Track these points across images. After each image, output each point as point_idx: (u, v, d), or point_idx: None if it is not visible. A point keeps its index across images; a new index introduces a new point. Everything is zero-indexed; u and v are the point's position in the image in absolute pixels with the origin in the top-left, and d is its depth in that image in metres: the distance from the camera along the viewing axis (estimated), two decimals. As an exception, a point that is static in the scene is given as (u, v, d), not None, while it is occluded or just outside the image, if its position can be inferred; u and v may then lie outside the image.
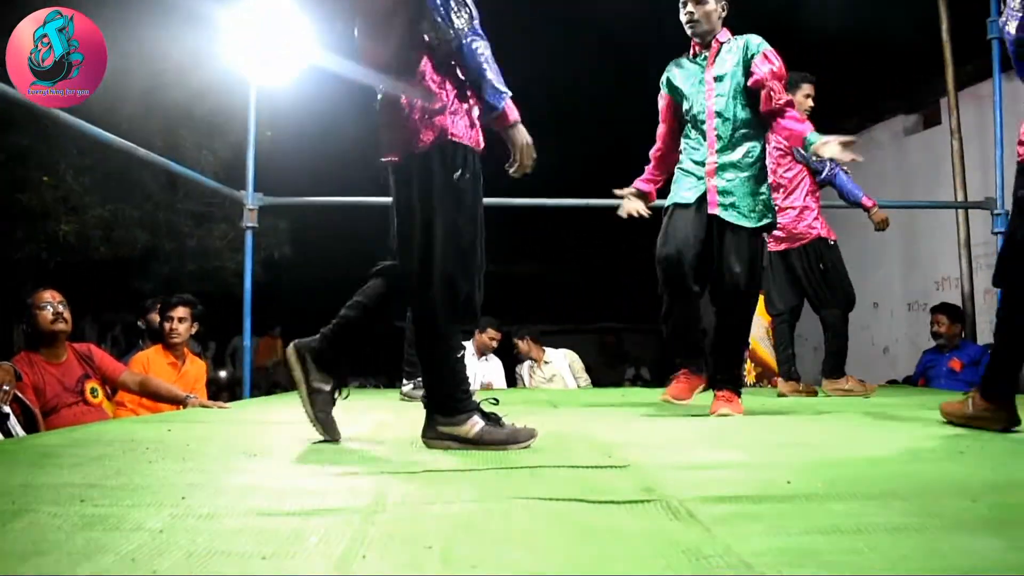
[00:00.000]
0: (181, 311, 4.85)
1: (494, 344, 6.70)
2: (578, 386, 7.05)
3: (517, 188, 5.61)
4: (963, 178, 6.66)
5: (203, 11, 7.55)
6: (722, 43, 3.64)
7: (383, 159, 2.48)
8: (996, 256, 5.49)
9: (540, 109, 5.00)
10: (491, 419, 2.40)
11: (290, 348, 2.49)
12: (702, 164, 3.56)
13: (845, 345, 4.91)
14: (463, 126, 2.38)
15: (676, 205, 3.59)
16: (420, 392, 4.44)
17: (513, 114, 2.46)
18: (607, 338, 16.87)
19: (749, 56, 3.55)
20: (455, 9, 2.30)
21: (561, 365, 7.15)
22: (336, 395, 2.51)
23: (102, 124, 8.08)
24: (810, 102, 4.98)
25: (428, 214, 2.34)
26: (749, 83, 3.53)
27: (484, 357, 6.69)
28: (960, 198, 6.58)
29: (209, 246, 9.22)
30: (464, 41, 2.31)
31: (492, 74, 2.34)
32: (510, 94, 2.39)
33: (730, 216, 3.47)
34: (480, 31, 2.35)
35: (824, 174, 5.00)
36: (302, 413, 2.48)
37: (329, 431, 2.48)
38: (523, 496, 1.57)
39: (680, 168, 3.67)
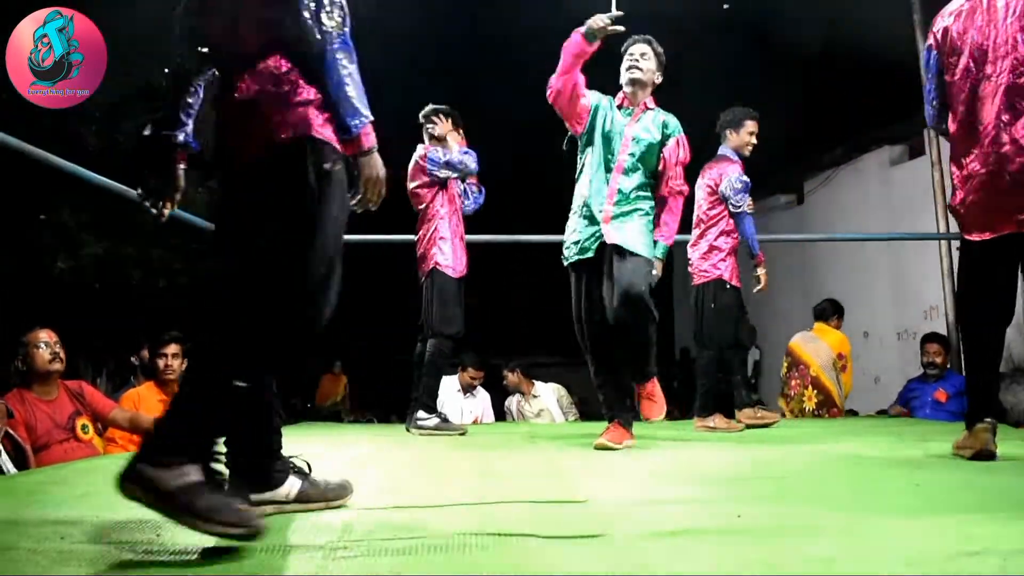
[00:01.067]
0: (173, 348, 4.91)
1: (476, 381, 6.69)
2: (566, 419, 7.08)
3: (513, 223, 5.72)
4: (945, 209, 6.75)
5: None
6: (648, 108, 3.82)
7: (224, 163, 2.05)
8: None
9: (540, 142, 5.08)
10: (306, 475, 2.11)
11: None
12: (599, 212, 3.67)
13: (714, 385, 4.93)
14: (330, 129, 1.99)
15: (579, 264, 3.73)
16: (437, 424, 4.57)
17: (369, 140, 2.02)
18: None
19: (666, 135, 3.76)
20: (327, 8, 1.96)
21: (549, 399, 7.18)
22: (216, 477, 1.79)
23: (100, 160, 8.29)
24: (754, 140, 5.03)
25: (285, 217, 1.91)
26: (659, 160, 3.75)
27: (471, 393, 6.70)
28: (942, 228, 6.67)
29: (201, 283, 9.30)
30: (329, 47, 1.94)
31: (353, 90, 1.97)
32: (371, 118, 2.02)
33: (624, 244, 3.61)
34: (350, 42, 2.00)
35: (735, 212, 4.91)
36: (291, 449, 2.21)
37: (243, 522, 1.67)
38: (484, 532, 1.62)
39: (577, 213, 3.77)
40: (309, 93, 1.98)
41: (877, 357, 10.43)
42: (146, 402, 4.74)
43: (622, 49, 3.85)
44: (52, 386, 4.15)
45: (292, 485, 2.04)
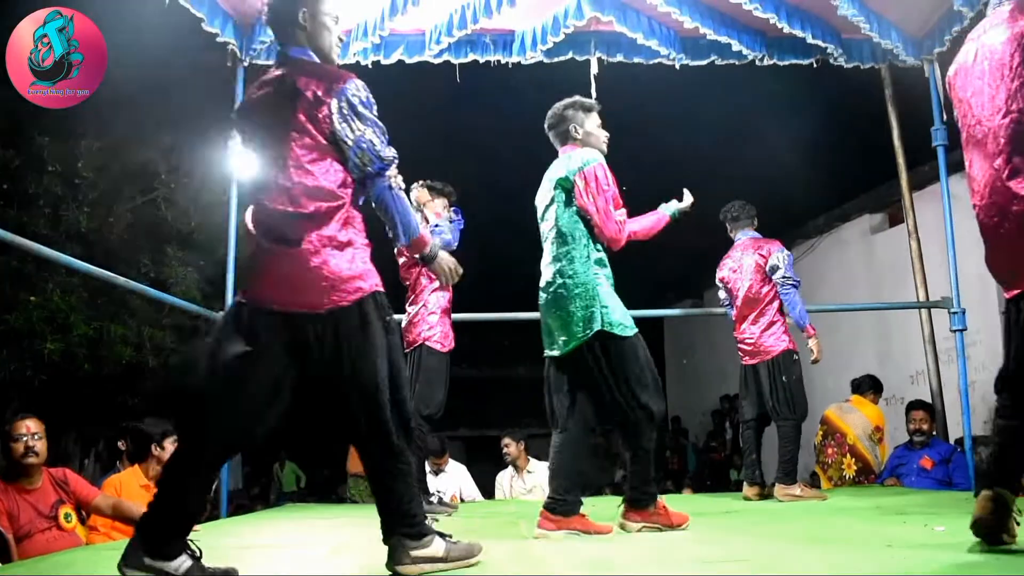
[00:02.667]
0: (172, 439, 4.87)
1: (442, 466, 6.57)
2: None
3: (516, 299, 5.79)
4: (923, 276, 6.85)
5: (188, 135, 7.91)
6: None
7: (283, 309, 2.35)
8: (959, 352, 5.71)
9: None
10: (447, 538, 2.50)
11: None
12: None
13: (796, 453, 5.10)
14: (374, 272, 2.47)
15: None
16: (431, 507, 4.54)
17: (430, 246, 2.69)
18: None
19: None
20: (382, 139, 2.47)
21: (543, 477, 7.13)
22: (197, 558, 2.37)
23: (97, 242, 8.39)
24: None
25: (373, 360, 2.35)
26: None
27: (441, 471, 6.56)
28: (921, 296, 6.75)
29: (194, 361, 9.33)
30: (389, 181, 2.49)
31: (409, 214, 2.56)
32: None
33: None
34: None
35: (791, 284, 5.15)
36: (273, 536, 2.54)
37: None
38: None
39: (609, 279, 3.52)
40: (361, 243, 2.49)
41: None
42: (128, 487, 4.73)
43: (594, 110, 3.78)
44: (34, 475, 4.14)
45: (438, 542, 2.48)
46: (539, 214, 3.69)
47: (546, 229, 3.60)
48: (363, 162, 2.42)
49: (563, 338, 3.41)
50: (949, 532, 2.94)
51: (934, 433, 6.18)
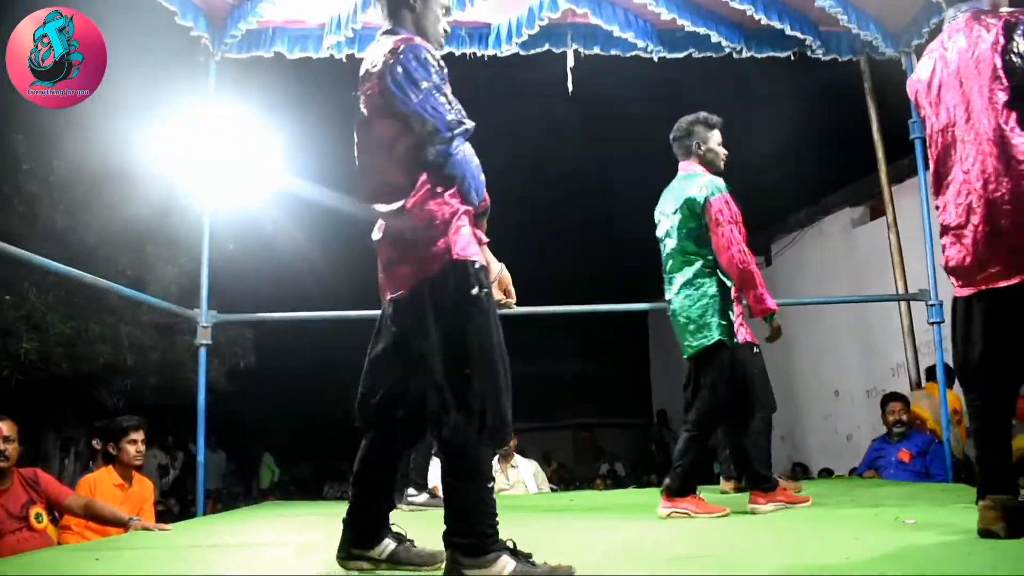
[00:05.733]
0: (139, 435, 4.84)
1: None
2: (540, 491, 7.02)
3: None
4: (902, 269, 6.87)
5: (163, 131, 7.82)
6: None
7: (389, 297, 2.41)
8: (937, 344, 5.72)
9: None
10: (522, 557, 2.21)
11: (344, 567, 2.42)
12: None
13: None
14: (468, 244, 2.33)
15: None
16: (426, 500, 4.53)
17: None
18: (582, 434, 16.82)
19: None
20: (442, 103, 2.31)
21: (526, 473, 7.11)
22: (402, 539, 2.47)
23: (74, 241, 8.30)
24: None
25: (454, 336, 2.23)
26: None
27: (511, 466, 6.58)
28: (900, 289, 6.77)
29: (173, 359, 9.26)
30: (456, 141, 2.32)
31: (477, 175, 2.38)
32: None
33: None
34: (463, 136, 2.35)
35: None
36: (244, 535, 2.49)
37: (434, 558, 2.40)
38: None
39: (728, 293, 3.85)
40: (448, 214, 2.35)
41: (848, 415, 10.49)
42: (102, 486, 4.68)
43: (718, 127, 4.01)
44: (5, 476, 4.10)
45: (505, 563, 2.16)
46: (660, 228, 3.99)
47: (670, 245, 3.90)
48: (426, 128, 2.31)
49: (686, 343, 3.80)
50: (919, 524, 2.94)
51: (914, 424, 6.21)
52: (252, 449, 15.39)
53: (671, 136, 4.03)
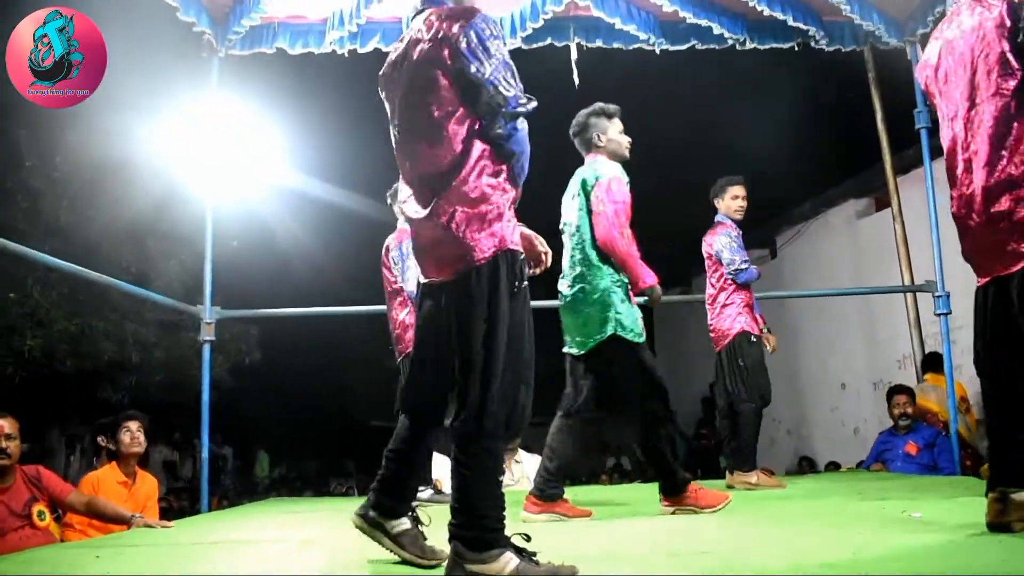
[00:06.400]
0: (134, 423, 4.86)
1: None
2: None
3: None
4: (908, 260, 6.84)
5: (166, 127, 7.82)
6: None
7: (429, 279, 2.36)
8: (944, 336, 5.69)
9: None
10: (525, 555, 2.15)
11: (356, 521, 2.43)
12: None
13: (754, 439, 4.93)
14: (514, 232, 2.27)
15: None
16: (430, 495, 4.51)
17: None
18: (587, 428, 16.75)
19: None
20: (508, 79, 2.22)
21: (531, 468, 7.08)
22: (419, 524, 2.46)
23: (78, 237, 8.29)
24: (739, 203, 5.17)
25: (492, 327, 2.16)
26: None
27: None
28: (907, 280, 6.73)
29: (177, 355, 9.25)
30: (518, 119, 2.26)
31: (527, 157, 2.32)
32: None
33: None
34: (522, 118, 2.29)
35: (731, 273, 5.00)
36: (247, 531, 2.48)
37: (434, 555, 2.39)
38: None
39: (624, 287, 3.71)
40: (500, 202, 2.28)
41: (855, 408, 10.45)
42: (105, 483, 4.68)
43: (616, 116, 3.91)
44: (7, 474, 4.09)
45: (508, 560, 2.10)
46: (563, 220, 3.87)
47: (568, 235, 3.80)
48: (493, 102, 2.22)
49: (579, 338, 3.67)
50: (926, 518, 2.92)
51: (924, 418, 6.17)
52: (259, 445, 15.45)
53: (571, 132, 3.93)
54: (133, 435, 4.83)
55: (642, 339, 3.66)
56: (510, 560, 2.09)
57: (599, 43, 6.02)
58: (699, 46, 6.06)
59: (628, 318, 3.62)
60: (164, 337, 9.34)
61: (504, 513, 2.17)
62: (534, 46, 5.97)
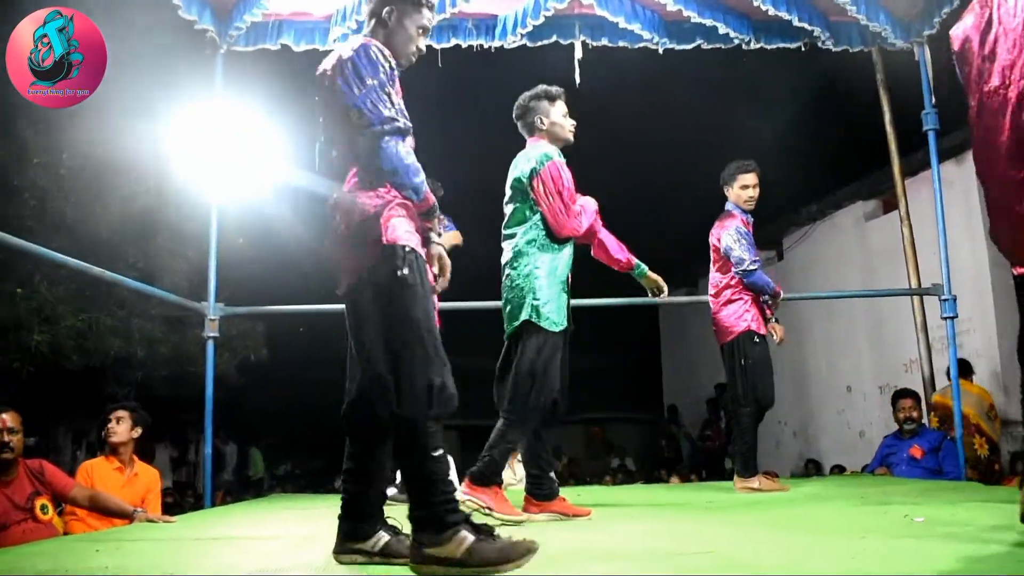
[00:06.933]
0: (120, 413, 4.89)
1: None
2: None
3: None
4: (915, 263, 6.78)
5: (171, 124, 7.84)
6: None
7: (339, 293, 2.48)
8: (951, 339, 5.65)
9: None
10: (482, 531, 2.21)
11: (337, 561, 2.44)
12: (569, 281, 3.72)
13: (755, 444, 4.87)
14: (398, 229, 2.37)
15: (563, 332, 3.66)
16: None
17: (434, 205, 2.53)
18: (592, 429, 16.77)
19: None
20: (383, 101, 2.39)
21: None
22: (397, 532, 2.47)
23: (84, 234, 8.31)
24: (750, 192, 5.03)
25: (388, 319, 2.31)
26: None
27: None
28: (913, 283, 6.69)
29: (183, 352, 9.28)
30: (389, 136, 2.38)
31: (412, 172, 2.42)
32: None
33: None
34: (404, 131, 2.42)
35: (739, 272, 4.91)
36: (248, 527, 2.48)
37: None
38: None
39: (560, 280, 3.67)
40: (380, 200, 2.42)
41: (861, 411, 10.41)
42: (100, 470, 4.73)
43: (560, 98, 3.84)
44: (10, 468, 4.11)
45: (462, 539, 2.16)
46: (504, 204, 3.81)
47: (504, 221, 3.75)
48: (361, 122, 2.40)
49: (507, 324, 3.66)
50: (928, 523, 2.90)
51: (924, 422, 6.13)
52: (257, 443, 15.45)
53: (514, 115, 3.88)
54: (113, 426, 4.86)
55: (557, 328, 3.59)
56: (465, 539, 2.15)
57: (604, 41, 6.00)
58: (704, 46, 6.04)
59: (549, 305, 3.57)
60: (170, 333, 9.37)
61: (451, 488, 2.25)
62: (539, 43, 5.96)
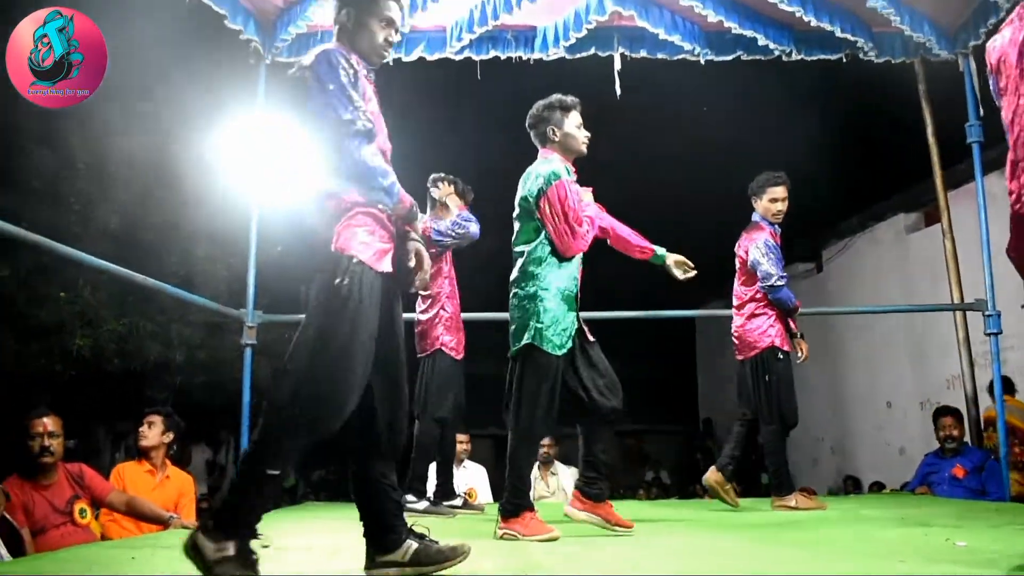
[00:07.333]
0: (152, 418, 4.97)
1: (463, 446, 6.29)
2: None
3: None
4: (958, 278, 6.65)
5: (215, 133, 7.96)
6: None
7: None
8: (994, 356, 5.52)
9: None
10: (424, 539, 2.43)
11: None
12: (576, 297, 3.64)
13: (785, 461, 4.78)
14: (352, 238, 2.37)
15: (566, 354, 3.55)
16: (426, 507, 4.54)
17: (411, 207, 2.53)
18: (628, 440, 16.67)
19: None
20: (343, 105, 2.39)
21: (567, 481, 7.05)
22: (423, 537, 2.46)
23: (127, 240, 8.45)
24: (779, 205, 4.93)
25: (313, 319, 2.32)
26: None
27: (462, 464, 6.34)
28: (956, 298, 6.56)
29: (221, 357, 9.37)
30: (350, 138, 2.38)
31: (380, 174, 2.41)
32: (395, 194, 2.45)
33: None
34: (368, 134, 2.41)
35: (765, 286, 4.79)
36: (278, 537, 2.60)
37: (454, 551, 2.44)
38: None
39: (562, 300, 3.56)
40: (338, 208, 2.42)
41: (901, 428, 10.23)
42: (130, 473, 4.81)
43: (574, 109, 3.76)
44: (50, 471, 4.19)
45: (408, 546, 2.38)
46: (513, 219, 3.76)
47: (513, 237, 3.70)
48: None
49: (512, 343, 3.59)
50: (971, 548, 2.82)
51: (966, 440, 6.00)
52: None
53: (527, 124, 3.81)
54: (144, 430, 4.95)
55: (560, 351, 3.50)
56: (410, 546, 2.39)
57: (643, 53, 5.99)
58: (745, 57, 6.00)
59: (552, 328, 3.49)
60: (208, 339, 9.48)
61: (255, 516, 2.22)
62: (578, 56, 5.96)
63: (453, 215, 4.84)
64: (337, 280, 2.29)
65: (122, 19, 6.53)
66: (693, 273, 4.11)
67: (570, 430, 3.79)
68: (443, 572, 2.40)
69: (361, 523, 2.47)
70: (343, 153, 2.39)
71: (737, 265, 4.99)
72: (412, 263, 2.47)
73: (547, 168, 3.59)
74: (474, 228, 4.80)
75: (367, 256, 2.37)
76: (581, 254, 3.67)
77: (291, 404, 2.23)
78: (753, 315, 4.82)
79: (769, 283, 4.73)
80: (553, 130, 3.69)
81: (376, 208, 2.44)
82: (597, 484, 3.62)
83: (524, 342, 3.49)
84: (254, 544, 2.21)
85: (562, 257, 3.57)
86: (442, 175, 5.03)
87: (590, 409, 3.57)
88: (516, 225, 3.68)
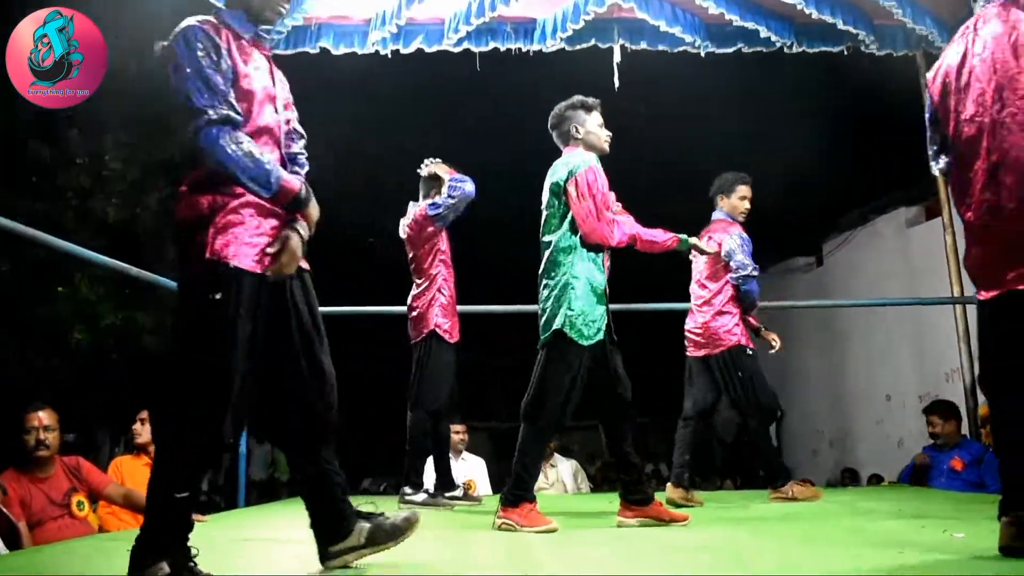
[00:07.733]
0: (144, 414, 4.97)
1: (460, 436, 6.24)
2: (579, 491, 6.98)
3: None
4: (959, 271, 6.64)
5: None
6: None
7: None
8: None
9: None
10: (372, 518, 2.42)
11: (327, 567, 2.42)
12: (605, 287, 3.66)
13: (774, 454, 4.79)
14: (229, 240, 2.21)
15: (595, 345, 3.53)
16: (424, 499, 4.51)
17: (301, 190, 2.32)
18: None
19: None
20: (198, 90, 2.20)
21: (566, 473, 7.07)
22: (373, 515, 2.46)
23: (125, 234, 8.45)
24: (746, 204, 4.93)
25: (183, 323, 2.26)
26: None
27: (460, 456, 6.29)
28: (956, 291, 6.56)
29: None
30: (204, 129, 2.19)
31: (245, 165, 2.20)
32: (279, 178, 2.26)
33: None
34: (233, 123, 2.23)
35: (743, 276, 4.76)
36: (278, 529, 2.63)
37: (407, 522, 2.46)
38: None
39: (597, 294, 3.58)
40: (207, 209, 2.23)
41: (900, 420, 10.24)
42: (127, 466, 4.84)
43: (596, 109, 3.79)
44: (47, 465, 4.18)
45: (360, 528, 2.38)
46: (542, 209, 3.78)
47: (542, 230, 3.71)
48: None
49: (541, 333, 3.60)
50: (969, 539, 2.82)
51: (964, 433, 6.00)
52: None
53: (549, 125, 3.84)
54: (138, 427, 5.00)
55: (589, 342, 3.49)
56: (363, 528, 2.38)
57: (644, 45, 5.96)
58: (745, 49, 5.98)
59: (581, 318, 3.50)
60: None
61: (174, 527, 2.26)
62: (578, 47, 5.94)
63: (446, 181, 4.70)
64: (212, 296, 2.16)
65: (119, 15, 6.50)
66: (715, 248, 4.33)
67: (569, 423, 3.77)
68: (442, 572, 2.42)
69: (309, 517, 2.44)
70: (202, 142, 2.18)
71: (701, 262, 4.88)
72: (274, 248, 2.27)
73: (579, 158, 3.64)
74: (469, 187, 4.63)
75: (247, 262, 2.22)
76: (607, 251, 3.70)
77: (173, 430, 2.20)
78: (720, 312, 4.77)
79: (744, 273, 4.72)
80: (576, 128, 3.74)
81: (254, 197, 2.25)
82: (639, 489, 3.59)
83: (554, 328, 3.51)
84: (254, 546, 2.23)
85: (589, 247, 3.59)
86: (432, 159, 4.88)
87: (614, 403, 3.59)
88: (543, 214, 3.70)
